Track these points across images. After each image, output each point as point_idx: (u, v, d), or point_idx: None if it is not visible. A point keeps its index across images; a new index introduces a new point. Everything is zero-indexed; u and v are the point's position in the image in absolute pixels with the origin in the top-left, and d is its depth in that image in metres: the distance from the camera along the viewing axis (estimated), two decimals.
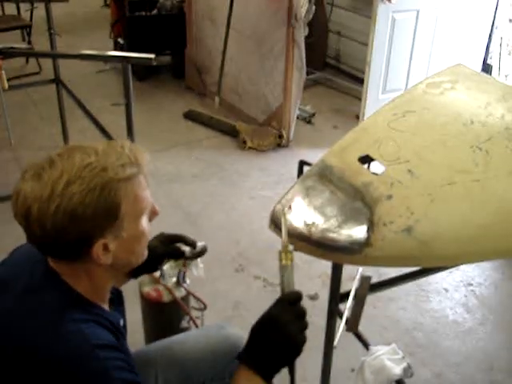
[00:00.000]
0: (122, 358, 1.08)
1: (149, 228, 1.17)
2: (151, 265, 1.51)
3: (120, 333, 1.18)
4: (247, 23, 4.04)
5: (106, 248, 1.08)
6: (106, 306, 1.21)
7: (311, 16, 4.72)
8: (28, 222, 1.04)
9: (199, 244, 1.64)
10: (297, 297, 1.16)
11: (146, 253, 1.22)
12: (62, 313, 1.07)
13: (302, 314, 1.14)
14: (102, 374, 1.03)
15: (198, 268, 1.75)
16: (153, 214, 1.20)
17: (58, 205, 1.01)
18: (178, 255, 1.63)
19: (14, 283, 1.14)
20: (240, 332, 1.69)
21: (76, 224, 1.03)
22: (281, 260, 1.19)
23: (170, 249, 1.58)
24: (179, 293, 1.98)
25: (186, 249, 1.62)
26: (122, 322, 1.26)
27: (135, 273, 1.48)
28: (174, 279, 1.95)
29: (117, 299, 1.30)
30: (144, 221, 1.15)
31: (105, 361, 1.03)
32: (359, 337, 1.69)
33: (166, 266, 1.88)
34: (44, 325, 1.06)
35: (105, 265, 1.11)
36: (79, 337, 1.04)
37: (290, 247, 1.19)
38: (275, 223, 1.41)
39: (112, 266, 1.12)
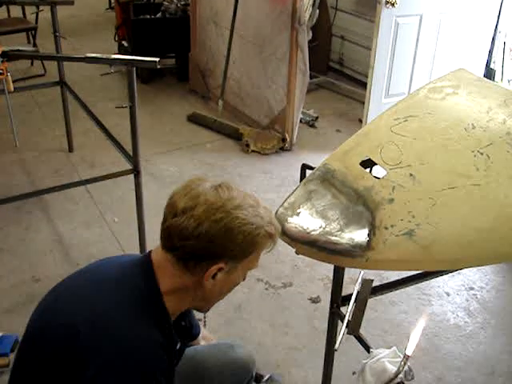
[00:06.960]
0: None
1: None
2: None
3: (174, 355, 1.27)
4: (251, 27, 4.06)
5: (217, 273, 1.19)
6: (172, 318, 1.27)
7: (315, 20, 4.77)
8: (184, 214, 1.15)
9: None
10: None
11: None
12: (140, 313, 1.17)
13: None
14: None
15: None
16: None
17: (223, 217, 1.14)
18: None
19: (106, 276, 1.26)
20: (250, 352, 1.70)
21: (225, 240, 1.14)
22: None
23: None
24: None
25: None
26: (178, 346, 1.32)
27: None
28: None
29: (188, 329, 1.40)
30: (245, 276, 1.28)
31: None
32: (360, 340, 1.69)
33: None
34: (122, 316, 1.15)
35: (201, 289, 1.21)
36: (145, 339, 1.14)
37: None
38: None
39: (202, 296, 1.24)
